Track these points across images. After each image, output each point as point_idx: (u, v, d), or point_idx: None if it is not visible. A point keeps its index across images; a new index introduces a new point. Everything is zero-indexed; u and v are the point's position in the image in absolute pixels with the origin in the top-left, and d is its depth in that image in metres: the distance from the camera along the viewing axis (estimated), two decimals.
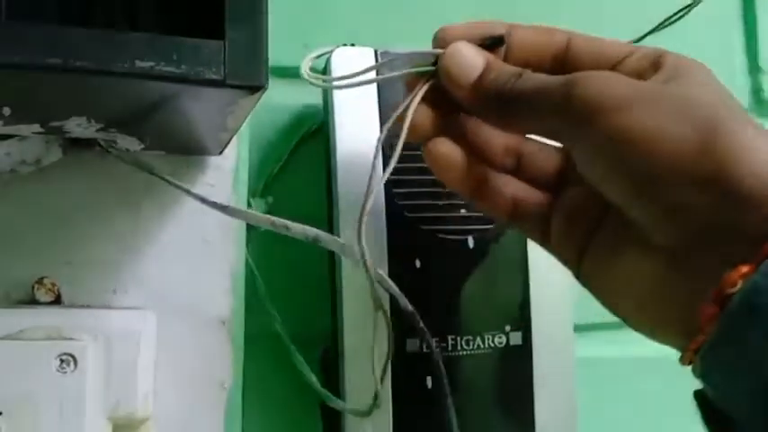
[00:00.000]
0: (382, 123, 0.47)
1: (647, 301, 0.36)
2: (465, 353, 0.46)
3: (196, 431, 0.41)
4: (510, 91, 0.36)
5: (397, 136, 0.38)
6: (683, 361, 0.34)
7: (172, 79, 0.31)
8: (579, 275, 0.39)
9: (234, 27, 0.32)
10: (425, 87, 0.38)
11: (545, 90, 0.35)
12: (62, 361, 0.36)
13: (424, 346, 0.46)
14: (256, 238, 0.48)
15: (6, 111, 0.34)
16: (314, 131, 0.51)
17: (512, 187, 0.41)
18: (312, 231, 0.40)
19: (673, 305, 0.34)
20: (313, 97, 0.50)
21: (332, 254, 0.47)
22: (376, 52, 0.47)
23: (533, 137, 0.41)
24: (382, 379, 0.41)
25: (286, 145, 0.51)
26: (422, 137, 0.39)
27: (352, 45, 0.47)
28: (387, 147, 0.45)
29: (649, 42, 0.49)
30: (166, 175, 0.41)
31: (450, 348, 0.46)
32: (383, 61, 0.43)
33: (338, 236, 0.45)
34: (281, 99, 0.50)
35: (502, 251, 0.48)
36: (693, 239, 0.32)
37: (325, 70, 0.47)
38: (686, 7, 0.50)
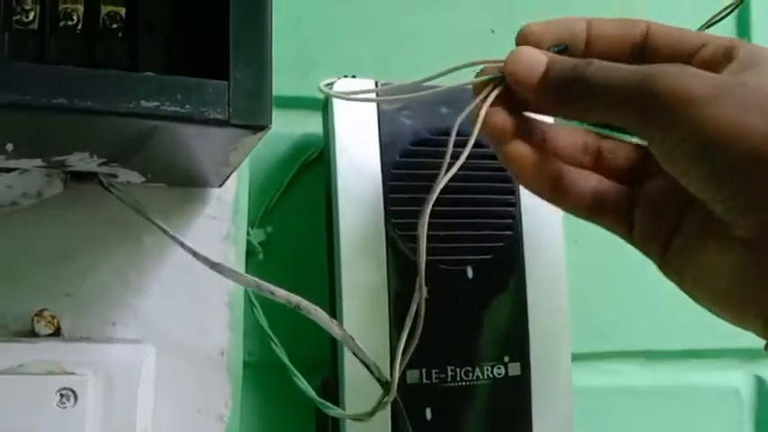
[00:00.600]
0: (382, 151, 0.47)
1: (728, 293, 0.36)
2: (464, 383, 0.47)
3: None
4: (581, 78, 0.36)
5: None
6: (767, 348, 0.35)
7: (176, 119, 0.31)
8: (662, 267, 0.40)
9: (239, 67, 0.32)
10: (497, 91, 0.38)
11: (620, 81, 0.35)
12: (62, 396, 0.36)
13: (424, 377, 0.46)
14: (255, 266, 0.48)
15: (9, 146, 0.34)
16: (313, 160, 0.51)
17: (592, 182, 0.41)
18: (295, 299, 0.40)
19: (753, 297, 0.34)
20: (312, 126, 0.50)
21: (332, 283, 0.47)
22: (377, 83, 0.47)
23: (610, 135, 0.42)
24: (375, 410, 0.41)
25: (285, 174, 0.51)
26: (500, 139, 0.39)
27: (354, 77, 0.47)
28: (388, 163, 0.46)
29: None
30: (169, 205, 0.42)
31: (449, 379, 0.46)
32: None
33: (339, 264, 0.46)
34: (281, 128, 0.49)
35: (500, 281, 0.48)
36: (756, 237, 0.33)
37: (327, 100, 0.47)
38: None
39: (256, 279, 0.39)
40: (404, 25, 0.54)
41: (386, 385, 0.41)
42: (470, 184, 0.48)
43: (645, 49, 0.39)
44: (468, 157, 0.46)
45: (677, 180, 0.36)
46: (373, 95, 0.46)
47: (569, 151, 0.41)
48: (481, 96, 0.38)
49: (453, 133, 0.38)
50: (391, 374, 0.40)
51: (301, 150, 0.51)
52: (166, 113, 0.31)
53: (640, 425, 0.55)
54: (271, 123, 0.32)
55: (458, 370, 0.47)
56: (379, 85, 0.48)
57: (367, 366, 0.41)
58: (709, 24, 0.50)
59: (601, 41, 0.39)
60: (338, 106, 0.47)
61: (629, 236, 0.40)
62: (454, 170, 0.39)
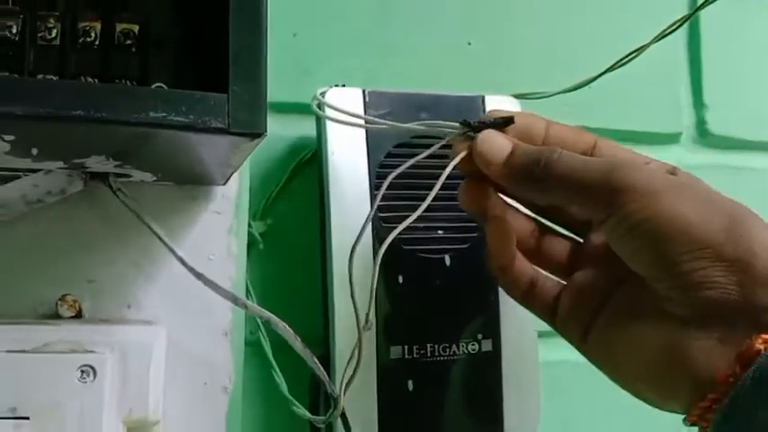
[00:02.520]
0: (369, 152, 0.48)
1: (656, 367, 0.35)
2: (442, 358, 0.47)
3: (202, 430, 0.42)
4: (548, 164, 0.37)
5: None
6: (685, 422, 0.34)
7: (181, 128, 0.31)
8: (583, 350, 0.40)
9: (237, 82, 0.32)
10: (461, 155, 0.39)
11: (587, 170, 0.36)
12: (83, 372, 0.36)
13: (406, 353, 0.46)
14: (257, 255, 0.48)
15: (35, 151, 0.34)
16: (307, 160, 0.51)
17: (529, 271, 0.41)
18: (266, 314, 0.40)
19: (683, 369, 0.34)
20: (306, 129, 0.50)
21: (324, 268, 0.47)
22: (364, 92, 0.48)
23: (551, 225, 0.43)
24: (345, 386, 0.41)
25: (283, 172, 0.51)
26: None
27: (343, 86, 0.48)
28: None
29: (605, 80, 0.50)
30: (178, 201, 0.42)
31: (429, 354, 0.47)
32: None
33: (331, 251, 0.46)
34: (278, 131, 0.50)
35: (474, 268, 0.48)
36: (715, 310, 0.33)
37: (319, 107, 0.47)
38: (638, 49, 0.51)
39: (234, 294, 0.40)
40: (387, 39, 0.54)
41: (335, 400, 0.42)
42: (447, 182, 0.48)
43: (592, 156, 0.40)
44: (444, 157, 0.47)
45: (615, 264, 0.37)
46: (357, 119, 0.46)
47: (521, 233, 0.42)
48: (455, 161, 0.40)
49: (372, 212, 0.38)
50: (337, 393, 0.42)
51: (297, 151, 0.51)
52: (172, 123, 0.31)
53: (598, 395, 0.55)
54: (266, 131, 0.32)
55: (436, 346, 0.47)
56: (366, 93, 0.48)
57: (321, 379, 0.42)
58: (660, 37, 0.51)
59: (555, 143, 0.40)
60: (330, 114, 0.46)
61: (552, 321, 0.41)
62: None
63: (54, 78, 0.36)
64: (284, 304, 0.48)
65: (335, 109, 0.45)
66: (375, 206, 0.42)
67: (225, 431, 0.42)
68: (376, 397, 0.46)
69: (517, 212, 0.42)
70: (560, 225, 0.44)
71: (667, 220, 0.34)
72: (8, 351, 0.36)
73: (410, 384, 0.46)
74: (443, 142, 0.41)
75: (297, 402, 0.45)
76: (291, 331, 0.41)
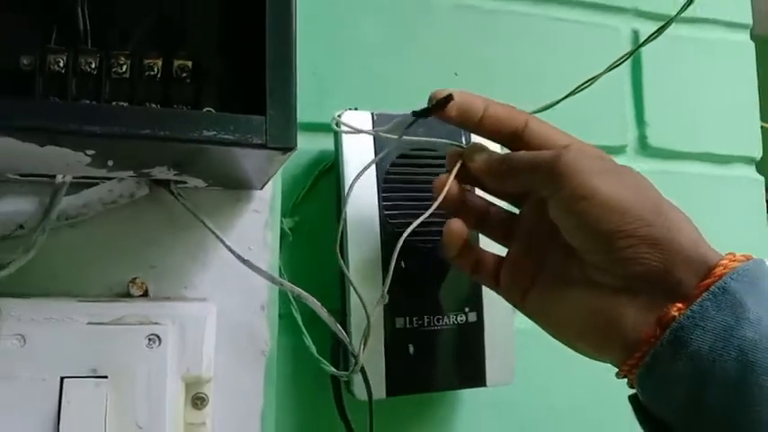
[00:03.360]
0: (378, 165, 0.47)
1: (589, 328, 0.35)
2: (436, 327, 0.47)
3: (244, 386, 0.41)
4: (506, 160, 0.38)
5: None
6: (618, 375, 0.34)
7: (229, 144, 0.31)
8: (525, 311, 0.39)
9: (272, 106, 0.32)
10: (458, 166, 0.41)
11: (534, 158, 0.36)
12: (150, 340, 0.36)
13: (407, 323, 0.47)
14: (287, 245, 0.49)
15: (110, 163, 0.34)
16: (327, 169, 0.51)
17: (477, 250, 0.42)
18: (297, 290, 0.41)
19: (612, 331, 0.34)
20: (325, 145, 0.51)
21: (342, 255, 0.47)
22: (372, 114, 0.48)
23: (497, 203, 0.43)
24: (364, 347, 0.42)
25: (307, 178, 0.51)
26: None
27: (356, 109, 0.48)
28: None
29: (566, 102, 0.50)
30: (225, 203, 0.42)
31: (425, 324, 0.47)
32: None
33: (346, 242, 0.46)
34: (303, 146, 0.48)
35: None
36: (640, 282, 0.33)
37: (337, 125, 0.47)
38: (592, 78, 0.51)
39: (272, 274, 0.41)
40: (390, 71, 0.54)
41: (356, 357, 0.43)
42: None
43: (522, 137, 0.39)
44: (437, 166, 0.47)
45: (545, 236, 0.38)
46: (367, 132, 0.46)
47: (474, 211, 0.42)
48: (454, 172, 0.41)
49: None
50: (357, 352, 0.42)
51: (318, 162, 0.52)
52: (222, 140, 0.31)
53: (560, 355, 0.56)
54: (296, 146, 0.33)
55: (431, 317, 0.47)
56: (374, 115, 0.48)
57: (342, 342, 0.43)
58: (610, 68, 0.51)
59: (491, 119, 0.39)
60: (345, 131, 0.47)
61: (498, 287, 0.41)
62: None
63: (125, 105, 0.36)
64: (309, 284, 0.48)
65: (350, 127, 0.45)
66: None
67: (262, 386, 0.42)
68: (384, 358, 0.46)
69: (475, 199, 0.43)
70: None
71: (604, 200, 0.33)
72: (89, 323, 0.36)
73: (411, 348, 0.46)
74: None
75: (324, 361, 0.45)
76: (318, 303, 0.41)
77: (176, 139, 0.31)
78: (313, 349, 0.46)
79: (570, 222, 0.35)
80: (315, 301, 0.41)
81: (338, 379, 0.47)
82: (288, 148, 0.32)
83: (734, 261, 0.32)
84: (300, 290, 0.41)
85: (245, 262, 0.39)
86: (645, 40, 0.50)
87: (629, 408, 0.36)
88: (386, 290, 0.41)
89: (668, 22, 0.49)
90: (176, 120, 0.31)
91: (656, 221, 0.33)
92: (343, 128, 0.46)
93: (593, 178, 0.34)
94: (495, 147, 0.43)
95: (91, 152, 0.32)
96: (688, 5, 0.48)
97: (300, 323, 0.47)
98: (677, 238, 0.33)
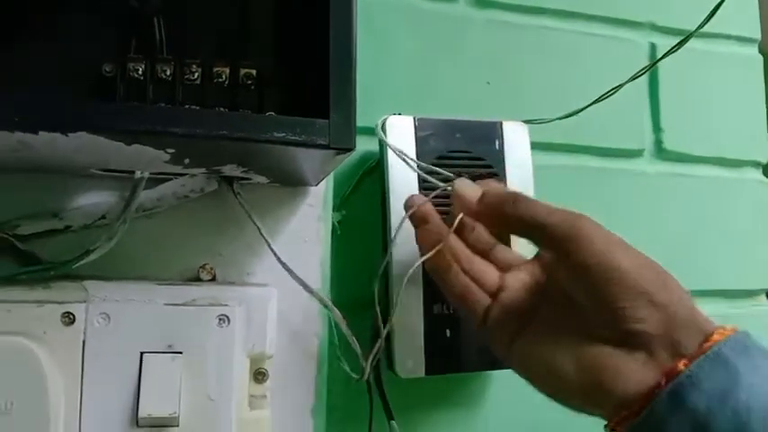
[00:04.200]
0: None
1: (582, 380, 0.33)
2: None
3: (299, 364, 0.42)
4: (516, 204, 0.36)
5: None
6: (606, 428, 0.33)
7: (296, 144, 0.32)
8: (507, 357, 0.37)
9: (335, 110, 0.32)
10: (458, 219, 0.39)
11: (548, 215, 0.35)
12: (220, 319, 0.37)
13: (444, 309, 0.46)
14: (335, 238, 0.48)
15: (187, 161, 0.35)
16: (371, 168, 0.51)
17: (465, 281, 0.39)
18: (326, 300, 0.41)
19: (607, 384, 0.32)
20: (370, 146, 0.51)
21: (385, 247, 0.47)
22: (414, 118, 0.48)
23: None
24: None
25: (353, 177, 0.51)
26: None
27: (399, 114, 0.48)
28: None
29: (589, 109, 0.50)
30: (284, 197, 0.43)
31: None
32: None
33: (390, 235, 0.45)
34: None
35: None
36: (639, 339, 0.32)
37: (383, 129, 0.47)
38: (615, 88, 0.50)
39: (305, 282, 0.40)
40: (430, 81, 0.54)
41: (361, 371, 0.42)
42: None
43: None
44: (472, 167, 0.47)
45: (543, 287, 0.36)
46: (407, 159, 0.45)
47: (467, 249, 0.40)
48: (452, 228, 0.39)
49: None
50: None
51: (363, 162, 0.52)
52: (290, 140, 0.32)
53: None
54: (355, 147, 0.33)
55: None
56: (415, 119, 0.48)
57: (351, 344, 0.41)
58: (632, 79, 0.50)
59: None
60: (390, 135, 0.47)
61: (483, 326, 0.38)
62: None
63: (204, 108, 0.36)
64: (355, 272, 0.49)
65: (390, 146, 0.45)
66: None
67: (317, 361, 0.42)
68: (423, 340, 0.46)
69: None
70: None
71: (611, 267, 0.32)
72: (166, 304, 0.37)
73: (447, 332, 0.46)
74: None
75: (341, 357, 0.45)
76: (340, 315, 0.41)
77: (250, 139, 0.31)
78: (355, 344, 0.45)
79: (579, 284, 0.34)
80: (337, 312, 0.41)
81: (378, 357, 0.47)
82: (348, 148, 0.33)
83: (727, 330, 0.32)
84: (328, 301, 0.41)
85: (283, 265, 0.39)
86: (665, 54, 0.50)
87: None
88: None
89: (687, 36, 0.48)
90: (250, 123, 0.31)
91: (660, 290, 0.32)
92: (388, 136, 0.46)
93: (609, 246, 0.33)
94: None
95: (171, 151, 0.33)
96: (706, 22, 0.48)
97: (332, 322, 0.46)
98: (677, 306, 0.32)
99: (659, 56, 0.54)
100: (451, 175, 0.42)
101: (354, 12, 0.33)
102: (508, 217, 0.36)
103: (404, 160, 0.44)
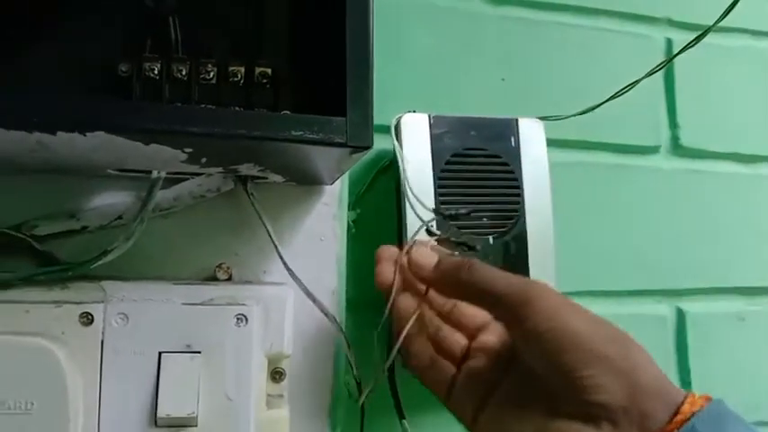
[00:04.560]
0: (433, 160, 0.47)
1: None
2: None
3: (317, 362, 0.42)
4: (471, 270, 0.34)
5: None
6: None
7: (313, 142, 0.32)
8: (473, 428, 0.35)
9: (352, 108, 0.32)
10: (415, 316, 0.37)
11: (503, 281, 0.33)
12: (238, 319, 0.37)
13: None
14: (350, 236, 0.48)
15: (204, 160, 0.35)
16: (385, 167, 0.51)
17: (430, 352, 0.37)
18: (330, 314, 0.40)
19: None
20: (384, 144, 0.50)
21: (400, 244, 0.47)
22: (429, 116, 0.48)
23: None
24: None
25: (368, 175, 0.51)
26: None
27: (414, 111, 0.48)
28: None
29: (605, 106, 0.49)
30: (299, 196, 0.42)
31: None
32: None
33: (406, 231, 0.45)
34: None
35: (511, 246, 0.48)
36: (603, 411, 0.30)
37: (397, 128, 0.48)
38: (630, 84, 0.50)
39: (313, 294, 0.39)
40: (445, 78, 0.54)
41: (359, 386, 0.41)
42: (490, 183, 0.48)
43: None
44: (488, 164, 0.47)
45: (504, 357, 0.35)
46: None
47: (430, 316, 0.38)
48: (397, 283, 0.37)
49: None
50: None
51: (377, 160, 0.51)
52: (307, 139, 0.31)
53: None
54: (372, 145, 0.32)
55: None
56: (430, 117, 0.48)
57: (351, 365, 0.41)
58: (648, 75, 0.50)
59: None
60: (405, 132, 0.47)
61: (447, 400, 0.36)
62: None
63: (222, 107, 0.36)
64: (370, 270, 0.48)
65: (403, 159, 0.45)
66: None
67: (332, 363, 0.42)
68: None
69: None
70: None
71: (565, 332, 0.31)
72: (184, 303, 0.37)
73: None
74: None
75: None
76: (343, 334, 0.40)
77: (268, 138, 0.31)
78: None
79: (533, 352, 0.32)
80: (341, 329, 0.40)
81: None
82: (365, 146, 0.32)
83: (697, 400, 0.30)
84: (333, 315, 0.40)
85: (292, 275, 0.39)
86: (682, 49, 0.49)
87: None
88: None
89: (705, 31, 0.48)
90: (267, 121, 0.31)
91: (618, 354, 0.31)
92: (403, 134, 0.46)
93: (560, 311, 0.32)
94: None
95: (188, 150, 0.33)
96: (724, 16, 0.47)
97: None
98: (641, 372, 0.30)
99: (675, 51, 0.54)
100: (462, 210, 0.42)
101: (371, 9, 0.33)
102: (463, 284, 0.35)
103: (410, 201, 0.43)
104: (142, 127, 0.29)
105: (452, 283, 0.35)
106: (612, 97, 0.50)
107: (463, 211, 0.45)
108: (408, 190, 0.45)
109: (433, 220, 0.42)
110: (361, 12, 0.33)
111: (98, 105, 0.30)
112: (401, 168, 0.46)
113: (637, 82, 0.50)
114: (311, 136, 0.31)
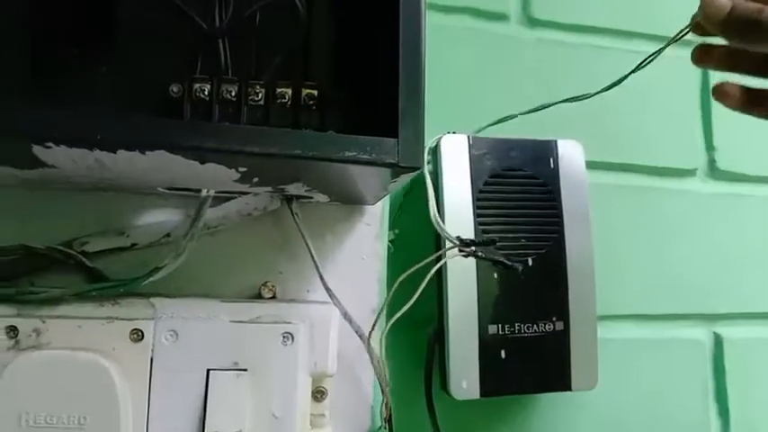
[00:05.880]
0: (472, 181, 0.47)
1: None
2: (526, 334, 0.46)
3: (357, 382, 0.42)
4: (757, 20, 0.33)
5: None
6: None
7: (366, 163, 0.32)
8: None
9: (404, 129, 0.32)
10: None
11: None
12: (284, 337, 0.37)
13: (500, 330, 0.46)
14: (388, 256, 0.49)
15: (255, 179, 0.35)
16: (411, 190, 0.51)
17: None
18: (364, 335, 0.40)
19: None
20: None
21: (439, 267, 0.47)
22: (468, 137, 0.48)
23: None
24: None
25: (405, 195, 0.51)
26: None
27: (454, 133, 0.48)
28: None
29: (644, 130, 0.49)
30: (343, 216, 0.43)
31: (516, 331, 0.46)
32: None
33: (445, 253, 0.45)
34: None
35: (550, 267, 0.47)
36: None
37: (436, 148, 0.48)
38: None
39: (338, 301, 0.40)
40: (483, 101, 0.54)
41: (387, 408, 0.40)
42: (529, 204, 0.48)
43: None
44: (527, 185, 0.47)
45: None
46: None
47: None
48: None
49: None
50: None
51: (417, 179, 0.50)
52: (360, 160, 0.31)
53: (641, 363, 0.55)
54: (423, 165, 0.33)
55: (521, 325, 0.46)
56: (470, 138, 0.48)
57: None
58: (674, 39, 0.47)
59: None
60: (445, 153, 0.47)
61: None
62: None
63: (272, 128, 0.37)
64: (409, 290, 0.48)
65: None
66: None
67: (372, 381, 0.42)
68: (478, 362, 0.45)
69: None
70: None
71: None
72: (232, 321, 0.37)
73: (503, 353, 0.46)
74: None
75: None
76: (373, 356, 0.40)
77: (323, 158, 0.31)
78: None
79: None
80: (373, 350, 0.40)
81: (431, 376, 0.47)
82: (415, 167, 0.32)
83: None
84: (377, 352, 0.40)
85: (331, 296, 0.40)
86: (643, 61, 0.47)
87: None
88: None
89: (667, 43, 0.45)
90: (323, 142, 0.31)
91: None
92: (442, 154, 0.46)
93: None
94: None
95: (243, 169, 0.33)
96: None
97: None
98: None
99: (711, 73, 0.54)
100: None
101: (424, 30, 0.34)
102: (759, 31, 0.33)
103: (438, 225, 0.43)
104: (201, 146, 0.30)
105: (751, 26, 0.33)
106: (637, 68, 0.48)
107: (486, 238, 0.45)
108: (434, 215, 0.44)
109: (471, 242, 0.42)
110: (414, 33, 0.33)
111: (159, 125, 0.30)
112: (428, 192, 0.46)
113: (662, 49, 0.46)
114: (364, 156, 0.32)
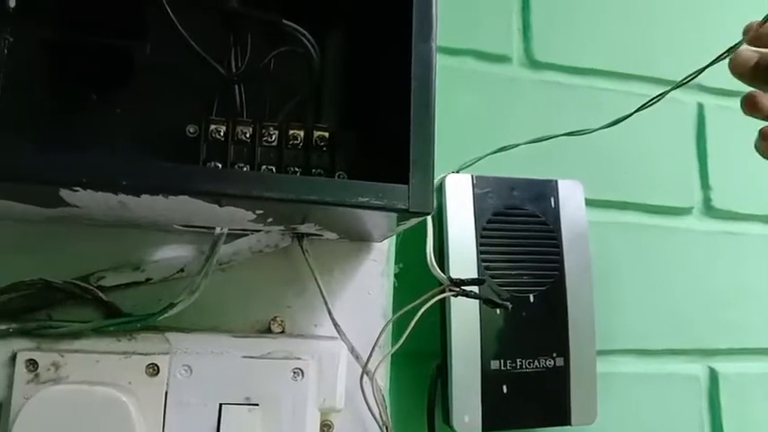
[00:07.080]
0: (476, 219, 0.49)
1: None
2: (528, 370, 0.48)
3: (365, 415, 0.42)
4: None
5: None
6: None
7: (378, 209, 0.33)
8: None
9: (414, 177, 0.34)
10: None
11: None
12: (295, 372, 0.38)
13: (502, 366, 0.47)
14: (394, 293, 0.50)
15: (270, 220, 0.36)
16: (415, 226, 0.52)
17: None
18: (379, 396, 0.42)
19: None
20: None
21: (442, 303, 0.48)
22: (472, 176, 0.50)
23: None
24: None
25: (409, 231, 0.51)
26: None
27: (458, 172, 0.50)
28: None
29: (643, 171, 0.51)
30: (350, 253, 0.44)
31: (518, 367, 0.47)
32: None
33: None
34: None
35: (550, 304, 0.49)
36: None
37: (441, 186, 0.50)
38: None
39: (362, 360, 0.41)
40: (486, 141, 0.54)
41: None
42: (531, 241, 0.50)
43: None
44: (528, 223, 0.49)
45: None
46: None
47: None
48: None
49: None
50: None
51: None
52: (373, 205, 0.33)
53: (639, 396, 0.56)
54: (433, 210, 0.34)
55: (523, 361, 0.48)
56: (473, 177, 0.50)
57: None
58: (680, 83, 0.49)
59: None
60: (449, 191, 0.49)
61: None
62: None
63: (273, 169, 0.39)
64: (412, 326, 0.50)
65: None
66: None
67: (378, 414, 0.43)
68: (480, 397, 0.46)
69: None
70: None
71: None
72: (244, 356, 0.38)
73: (504, 388, 0.47)
74: None
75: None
76: (381, 391, 0.42)
77: (337, 203, 0.33)
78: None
79: None
80: (377, 383, 0.42)
81: (433, 409, 0.48)
82: (426, 212, 0.34)
83: None
84: (382, 390, 0.42)
85: (338, 329, 0.41)
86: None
87: None
88: None
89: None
90: (336, 188, 0.33)
91: None
92: (446, 194, 0.48)
93: None
94: None
95: (259, 212, 0.35)
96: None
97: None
98: None
99: (707, 116, 0.56)
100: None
101: (434, 82, 0.36)
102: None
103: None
104: (224, 192, 0.32)
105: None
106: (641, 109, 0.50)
107: (475, 278, 0.46)
108: (430, 258, 0.45)
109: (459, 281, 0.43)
110: (425, 82, 0.35)
111: (183, 171, 0.32)
112: (427, 235, 0.47)
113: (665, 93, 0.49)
114: (376, 202, 0.33)
